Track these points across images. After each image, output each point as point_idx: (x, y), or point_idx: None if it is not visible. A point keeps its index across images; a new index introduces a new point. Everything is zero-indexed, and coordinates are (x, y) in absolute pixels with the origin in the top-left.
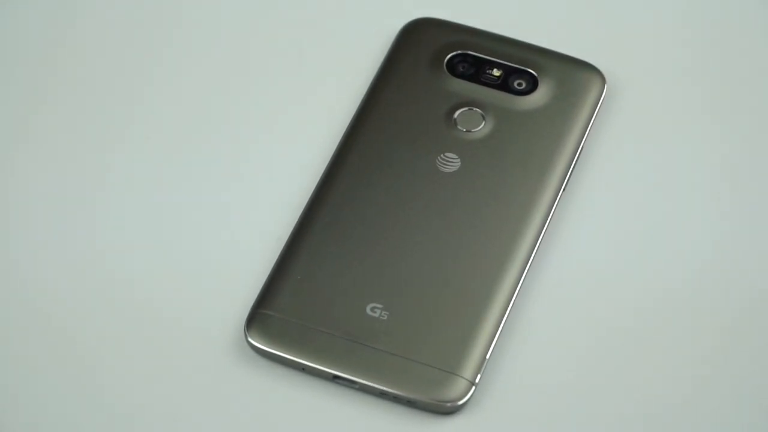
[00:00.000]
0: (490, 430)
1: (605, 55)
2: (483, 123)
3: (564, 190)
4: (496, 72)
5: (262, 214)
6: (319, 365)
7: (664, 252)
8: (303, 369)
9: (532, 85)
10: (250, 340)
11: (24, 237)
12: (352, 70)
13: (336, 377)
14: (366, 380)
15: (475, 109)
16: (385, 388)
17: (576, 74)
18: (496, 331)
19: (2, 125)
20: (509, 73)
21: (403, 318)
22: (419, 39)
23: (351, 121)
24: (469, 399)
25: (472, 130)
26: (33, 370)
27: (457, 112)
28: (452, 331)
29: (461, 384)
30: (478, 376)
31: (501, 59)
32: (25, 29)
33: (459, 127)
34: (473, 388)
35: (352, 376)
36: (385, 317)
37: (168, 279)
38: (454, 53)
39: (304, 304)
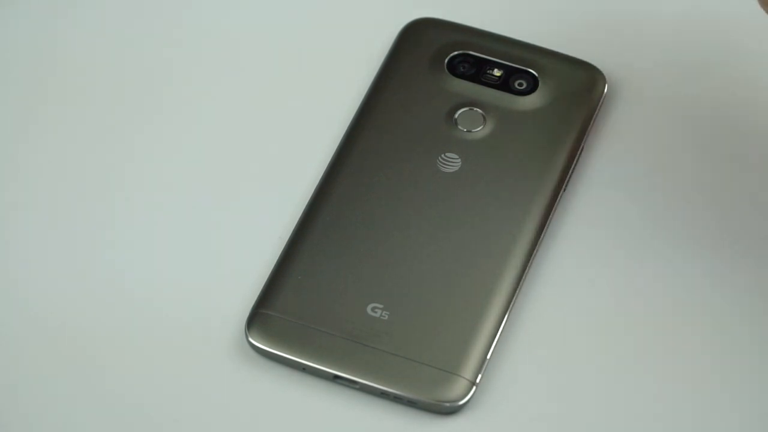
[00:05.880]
0: (491, 430)
1: (605, 55)
2: (484, 123)
3: (565, 190)
4: (496, 72)
5: (263, 213)
6: (320, 365)
7: (665, 252)
8: (303, 369)
9: (533, 85)
10: (250, 339)
11: (25, 237)
12: (352, 70)
13: (337, 377)
14: (367, 380)
15: (475, 109)
16: (385, 388)
17: (576, 74)
18: (497, 331)
19: (5, 126)
20: (510, 73)
21: (403, 318)
22: (419, 39)
23: (352, 121)
24: (469, 399)
25: (473, 130)
26: (33, 370)
27: (458, 112)
28: (453, 331)
29: (462, 384)
30: (479, 376)
31: (501, 59)
32: (28, 31)
33: (460, 127)
34: (474, 388)
35: (352, 376)
36: (386, 317)
37: (168, 279)
38: (455, 53)
39: (304, 304)
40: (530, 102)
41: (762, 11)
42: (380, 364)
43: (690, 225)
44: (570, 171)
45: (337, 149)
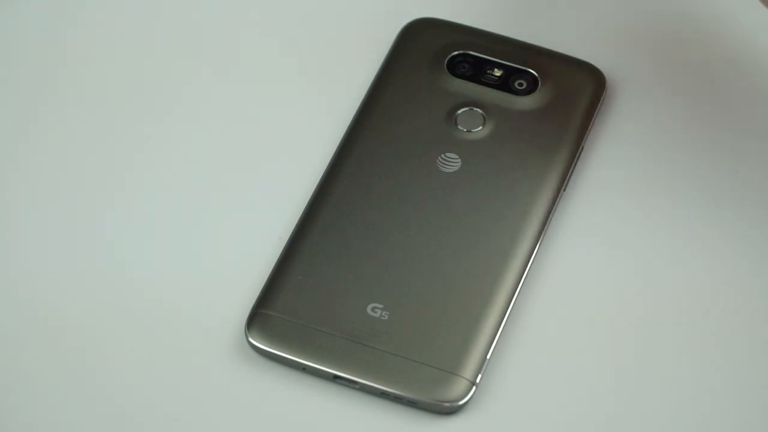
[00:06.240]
0: (490, 430)
1: (605, 55)
2: (483, 123)
3: (564, 190)
4: (496, 72)
5: (263, 214)
6: (320, 365)
7: (665, 252)
8: (303, 369)
9: (533, 85)
10: (250, 339)
11: (25, 236)
12: (352, 70)
13: (337, 377)
14: (367, 380)
15: (475, 109)
16: (385, 388)
17: (576, 74)
18: (497, 331)
19: (5, 126)
20: (510, 73)
21: (403, 318)
22: (419, 39)
23: (352, 121)
24: (469, 399)
25: (473, 130)
26: (32, 370)
27: (458, 112)
28: (453, 331)
29: (462, 384)
30: (479, 376)
31: (501, 59)
32: (28, 31)
33: (459, 127)
34: (474, 388)
35: (352, 376)
36: (386, 317)
37: (168, 279)
38: (455, 53)
39: (304, 304)
40: (530, 102)
41: (762, 10)
42: (380, 364)
43: (690, 224)
44: (570, 171)
45: (337, 149)
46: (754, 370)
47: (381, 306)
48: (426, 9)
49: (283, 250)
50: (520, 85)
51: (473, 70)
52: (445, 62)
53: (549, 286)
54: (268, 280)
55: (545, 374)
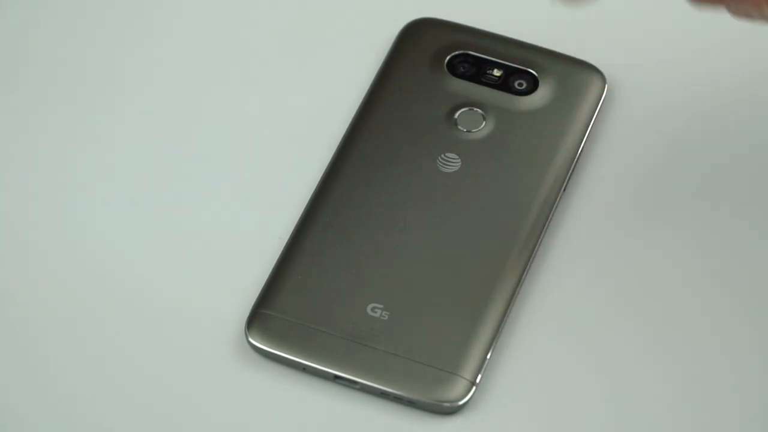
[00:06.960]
0: (490, 430)
1: (605, 55)
2: (483, 123)
3: (564, 190)
4: (496, 72)
5: (263, 213)
6: (320, 365)
7: (664, 251)
8: (304, 369)
9: (533, 85)
10: (250, 340)
11: (23, 237)
12: (352, 70)
13: (337, 377)
14: (367, 380)
15: (475, 109)
16: (385, 388)
17: (576, 74)
18: (497, 331)
19: None
20: (510, 73)
21: (403, 318)
22: (420, 39)
23: (352, 121)
24: (469, 399)
25: (473, 131)
26: (30, 370)
27: (458, 113)
28: (453, 331)
29: (462, 384)
30: (479, 376)
31: (501, 59)
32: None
33: (459, 128)
34: (474, 388)
35: (352, 376)
36: (386, 317)
37: (168, 279)
38: (455, 53)
39: (304, 304)
40: (530, 102)
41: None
42: (380, 364)
43: (690, 225)
44: (569, 171)
45: (337, 149)
46: (755, 371)
47: (381, 306)
48: (426, 9)
49: (283, 250)
50: (520, 85)
51: (473, 70)
52: (445, 62)
53: (549, 286)
54: (268, 280)
55: (545, 374)
